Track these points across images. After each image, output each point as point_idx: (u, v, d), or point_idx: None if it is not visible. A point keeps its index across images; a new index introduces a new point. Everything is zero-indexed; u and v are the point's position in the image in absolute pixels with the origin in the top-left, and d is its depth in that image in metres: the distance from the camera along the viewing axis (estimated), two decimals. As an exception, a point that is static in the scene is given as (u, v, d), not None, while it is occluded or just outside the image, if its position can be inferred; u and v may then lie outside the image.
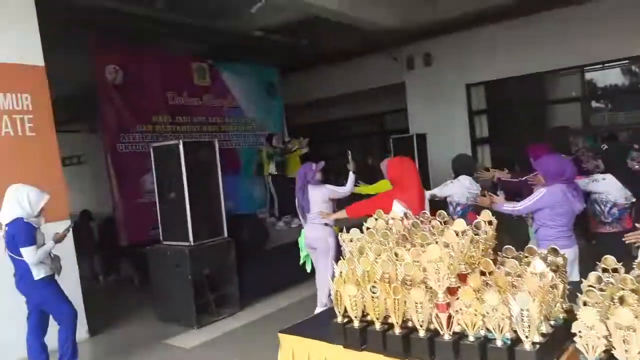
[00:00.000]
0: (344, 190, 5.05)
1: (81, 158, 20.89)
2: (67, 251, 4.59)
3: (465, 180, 4.88)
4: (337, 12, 9.11)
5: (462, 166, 5.04)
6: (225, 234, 5.41)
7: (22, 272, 3.73)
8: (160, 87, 8.07)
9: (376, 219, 2.80)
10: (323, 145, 14.43)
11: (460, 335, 1.97)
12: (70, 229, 4.17)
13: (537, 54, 9.90)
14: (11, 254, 3.72)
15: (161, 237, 5.37)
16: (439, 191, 4.86)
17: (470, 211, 4.87)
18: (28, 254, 3.63)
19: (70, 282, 4.59)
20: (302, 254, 5.16)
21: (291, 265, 5.47)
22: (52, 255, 3.88)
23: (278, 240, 6.57)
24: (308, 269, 5.20)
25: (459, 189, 4.82)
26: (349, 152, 5.21)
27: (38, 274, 3.72)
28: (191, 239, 5.02)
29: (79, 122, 18.86)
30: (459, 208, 4.81)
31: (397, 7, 10.67)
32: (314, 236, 4.95)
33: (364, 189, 5.60)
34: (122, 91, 7.53)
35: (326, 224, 4.90)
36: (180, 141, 4.97)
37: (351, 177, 5.08)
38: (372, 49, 11.79)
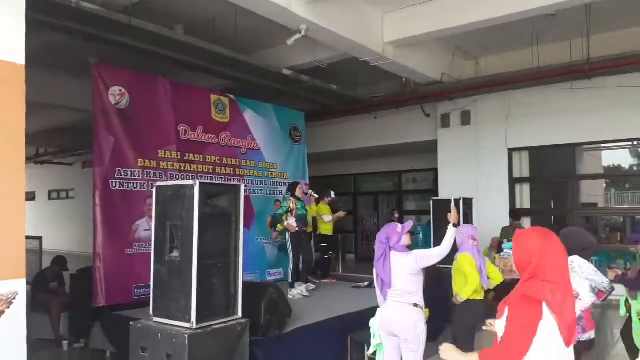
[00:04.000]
0: (438, 253, 3.79)
1: (70, 193, 19.61)
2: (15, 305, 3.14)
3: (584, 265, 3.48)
4: (378, 54, 8.08)
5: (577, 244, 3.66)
6: (240, 313, 3.94)
7: None
8: (171, 118, 6.83)
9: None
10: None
11: None
12: (16, 297, 2.71)
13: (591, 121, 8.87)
14: None
15: (151, 310, 3.89)
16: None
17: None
18: None
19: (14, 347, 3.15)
20: (373, 342, 3.81)
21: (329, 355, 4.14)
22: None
23: (302, 318, 5.09)
24: None
25: (580, 281, 3.42)
26: (453, 199, 4.02)
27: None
28: (194, 319, 3.55)
29: (74, 155, 17.77)
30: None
31: (437, 60, 9.72)
32: (396, 319, 3.70)
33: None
34: (125, 118, 6.30)
35: (415, 304, 3.68)
36: (197, 181, 3.61)
37: (450, 232, 3.84)
38: (403, 101, 10.74)
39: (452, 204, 4.16)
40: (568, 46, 8.81)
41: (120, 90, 6.26)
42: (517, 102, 9.67)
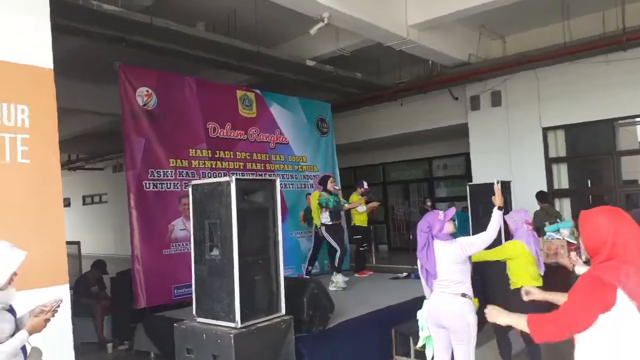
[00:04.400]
0: (484, 239, 3.62)
1: (103, 197, 19.97)
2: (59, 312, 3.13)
3: None
4: (403, 38, 7.88)
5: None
6: (283, 310, 3.86)
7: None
8: (200, 116, 6.79)
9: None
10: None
11: None
12: (61, 304, 2.69)
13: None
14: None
15: (194, 311, 3.84)
16: None
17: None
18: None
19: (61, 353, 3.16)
20: (422, 335, 3.72)
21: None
22: (26, 349, 2.43)
23: (344, 312, 4.99)
24: (428, 357, 3.78)
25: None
26: (497, 181, 3.87)
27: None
28: (238, 318, 3.49)
29: (104, 159, 18.08)
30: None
31: (463, 40, 9.43)
32: (445, 310, 3.57)
33: (486, 255, 4.08)
34: (154, 119, 6.29)
35: (464, 294, 3.53)
36: (233, 178, 3.53)
37: (496, 216, 3.66)
38: (430, 84, 10.48)
39: (496, 186, 3.90)
40: (600, 17, 8.42)
41: (148, 92, 6.25)
42: (549, 79, 9.33)
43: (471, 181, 13.62)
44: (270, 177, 4.12)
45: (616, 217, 1.96)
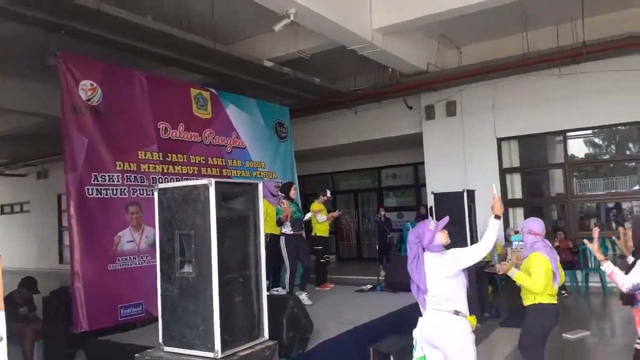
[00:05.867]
0: (478, 251, 3.24)
1: (25, 206, 18.19)
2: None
3: None
4: (367, 42, 7.63)
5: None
6: (267, 334, 3.34)
7: None
8: (150, 115, 6.12)
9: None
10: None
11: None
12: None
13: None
14: None
15: (160, 338, 3.23)
16: None
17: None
18: None
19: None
20: (416, 355, 3.28)
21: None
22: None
23: (318, 330, 4.51)
24: None
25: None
26: (494, 185, 3.50)
27: None
28: (218, 347, 2.93)
29: (27, 165, 16.49)
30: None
31: (423, 49, 9.36)
32: (437, 329, 3.21)
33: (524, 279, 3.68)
34: (99, 116, 5.57)
35: (456, 312, 3.18)
36: (212, 181, 2.99)
37: (493, 225, 3.26)
38: (387, 92, 10.34)
39: (494, 191, 3.42)
40: (555, 31, 8.63)
41: (92, 85, 5.52)
42: (504, 90, 9.45)
43: (419, 191, 13.77)
44: (252, 181, 3.60)
45: None
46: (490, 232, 3.30)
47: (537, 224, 3.74)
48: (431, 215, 9.02)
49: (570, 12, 8.02)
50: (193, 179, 6.16)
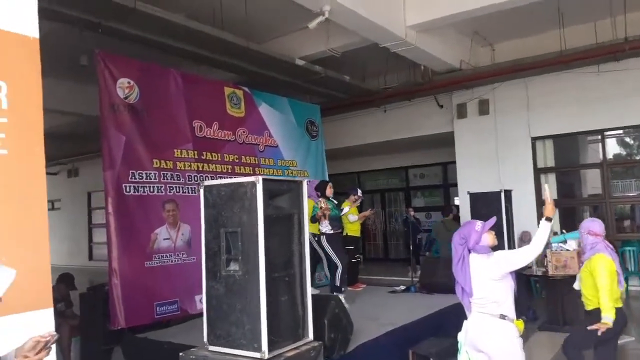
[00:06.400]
0: (526, 255, 3.10)
1: (56, 204, 18.54)
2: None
3: None
4: (401, 39, 7.51)
5: None
6: (311, 335, 3.28)
7: None
8: (185, 113, 6.12)
9: None
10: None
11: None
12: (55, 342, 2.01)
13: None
14: None
15: (205, 337, 3.19)
16: None
17: None
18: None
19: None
20: (460, 358, 3.20)
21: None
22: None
23: (357, 332, 4.43)
24: None
25: None
26: (546, 184, 3.36)
27: None
28: (265, 347, 2.88)
29: (59, 163, 16.81)
30: None
31: (456, 46, 9.20)
32: (482, 333, 3.10)
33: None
34: (136, 114, 5.58)
35: (503, 316, 3.06)
36: (260, 178, 2.94)
37: (544, 227, 3.10)
38: (418, 91, 10.19)
39: (546, 192, 3.27)
40: (592, 27, 8.37)
41: (129, 83, 5.54)
42: (539, 88, 9.21)
43: (448, 191, 13.56)
44: (297, 178, 3.55)
45: None
46: (541, 234, 3.16)
47: (596, 225, 3.58)
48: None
49: (607, 9, 7.78)
50: (227, 178, 6.24)
